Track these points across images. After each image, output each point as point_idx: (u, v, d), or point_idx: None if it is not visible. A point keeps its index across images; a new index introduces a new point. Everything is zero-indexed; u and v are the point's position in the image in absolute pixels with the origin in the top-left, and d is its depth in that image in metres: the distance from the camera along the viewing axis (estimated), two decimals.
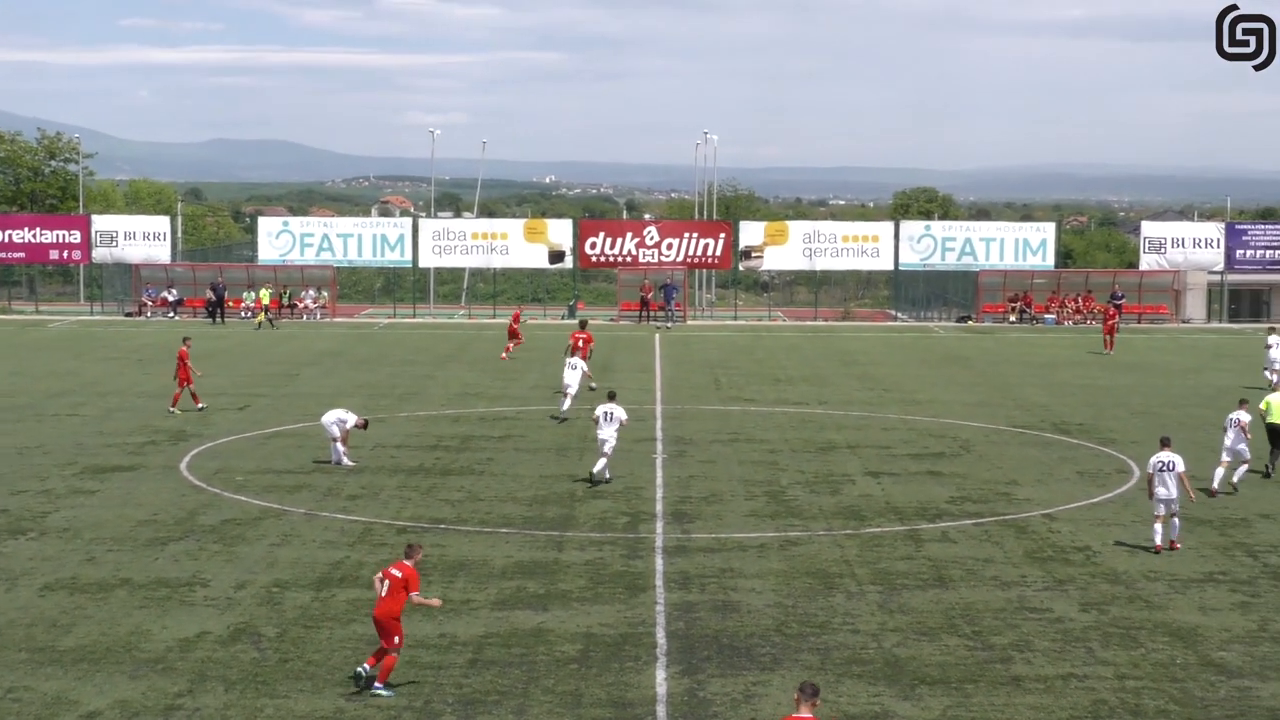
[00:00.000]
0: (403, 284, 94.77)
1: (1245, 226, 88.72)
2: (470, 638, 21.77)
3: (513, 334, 60.80)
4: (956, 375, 55.72)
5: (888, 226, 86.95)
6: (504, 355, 59.51)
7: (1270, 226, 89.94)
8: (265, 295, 77.74)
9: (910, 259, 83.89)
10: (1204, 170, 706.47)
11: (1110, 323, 66.44)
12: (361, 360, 59.89)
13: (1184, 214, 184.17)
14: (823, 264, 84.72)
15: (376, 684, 19.31)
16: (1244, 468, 33.27)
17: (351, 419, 35.67)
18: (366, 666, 19.57)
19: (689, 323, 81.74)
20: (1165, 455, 27.76)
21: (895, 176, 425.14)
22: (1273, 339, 52.14)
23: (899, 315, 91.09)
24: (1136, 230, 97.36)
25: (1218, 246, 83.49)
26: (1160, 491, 27.47)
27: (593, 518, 29.96)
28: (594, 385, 47.37)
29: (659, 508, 30.95)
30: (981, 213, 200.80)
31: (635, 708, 18.96)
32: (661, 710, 18.88)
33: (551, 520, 29.73)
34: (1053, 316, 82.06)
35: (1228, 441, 33.16)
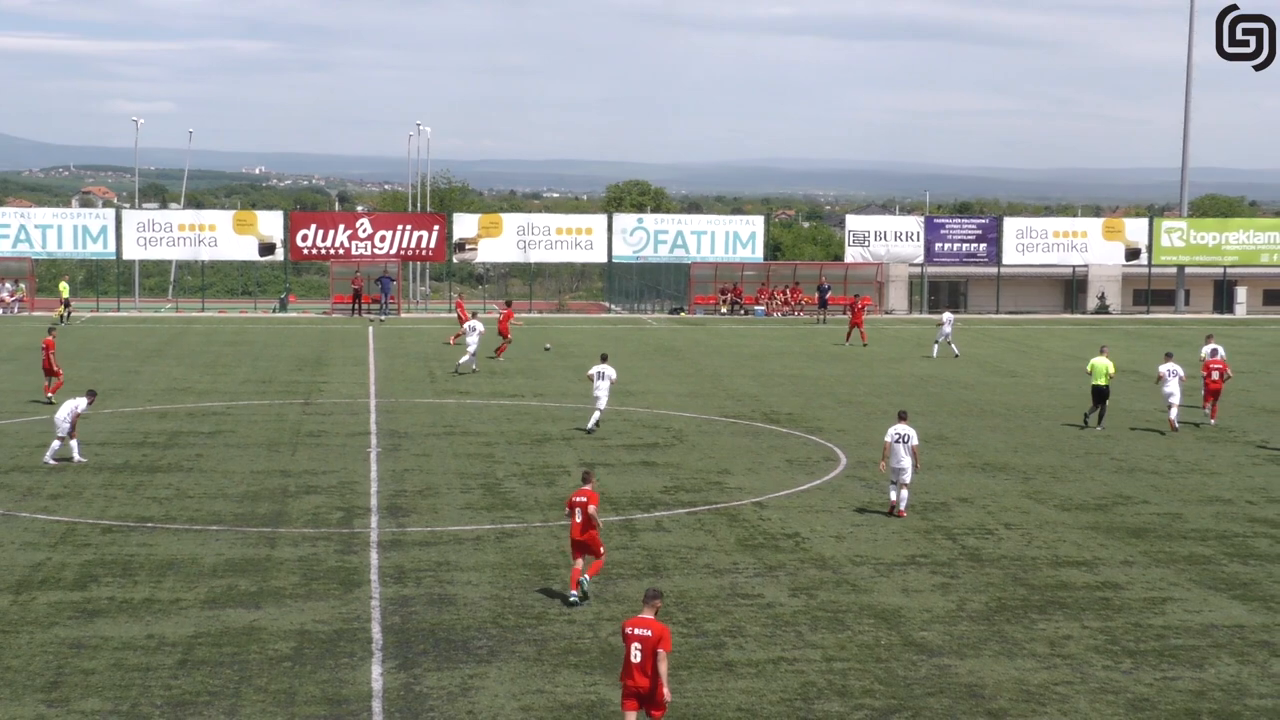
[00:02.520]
0: (106, 277, 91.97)
1: (943, 220, 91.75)
2: (179, 638, 21.26)
3: (502, 332, 58.80)
4: (669, 366, 56.46)
5: (601, 219, 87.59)
6: (498, 354, 57.58)
7: (967, 220, 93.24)
8: None
9: (623, 251, 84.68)
10: (905, 166, 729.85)
11: (858, 314, 67.78)
12: (62, 355, 57.81)
13: (886, 208, 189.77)
14: (537, 256, 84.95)
15: (586, 576, 23.44)
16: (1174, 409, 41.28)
17: (82, 402, 34.65)
18: (574, 593, 23.27)
19: (403, 315, 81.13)
20: (900, 428, 29.88)
21: (609, 170, 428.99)
22: (946, 315, 61.28)
23: (613, 307, 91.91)
24: (842, 224, 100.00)
25: (918, 239, 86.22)
26: (893, 460, 29.67)
27: (306, 513, 29.53)
28: (475, 369, 52.81)
29: (374, 502, 30.68)
30: (693, 206, 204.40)
31: (350, 704, 18.76)
32: (377, 706, 18.73)
33: (264, 517, 29.21)
34: (762, 308, 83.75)
35: (1168, 389, 41.28)
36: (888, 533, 28.59)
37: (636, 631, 16.97)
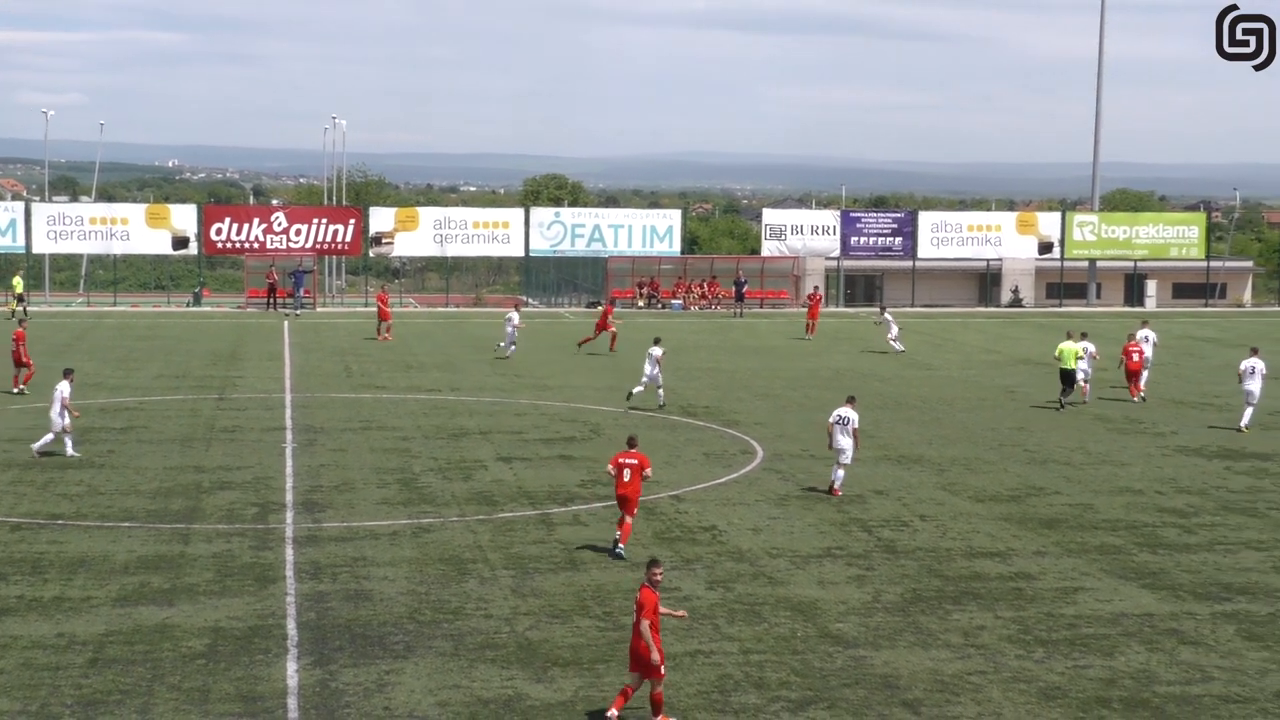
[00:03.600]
0: (15, 271, 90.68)
1: (859, 214, 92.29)
2: (90, 636, 21.03)
3: (603, 326, 59.38)
4: (586, 360, 56.42)
5: (518, 213, 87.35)
6: (584, 341, 59.31)
7: (882, 214, 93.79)
8: None
9: (541, 245, 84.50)
10: (822, 160, 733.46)
11: (815, 307, 68.65)
12: None
13: (803, 202, 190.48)
14: (454, 250, 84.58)
15: (619, 547, 25.81)
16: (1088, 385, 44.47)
17: (64, 386, 34.71)
18: (621, 546, 25.91)
19: (319, 310, 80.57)
20: (844, 411, 31.42)
21: (526, 163, 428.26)
22: (887, 315, 60.70)
23: (530, 301, 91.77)
24: (758, 218, 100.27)
25: (834, 233, 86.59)
26: (837, 442, 31.14)
27: (220, 509, 29.29)
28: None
29: (289, 498, 30.47)
30: (611, 200, 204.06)
31: (265, 701, 18.63)
32: (292, 703, 18.61)
33: (177, 513, 28.94)
34: (679, 302, 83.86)
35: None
36: (804, 525, 28.74)
37: (637, 599, 18.26)
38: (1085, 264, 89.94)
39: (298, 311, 76.62)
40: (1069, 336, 45.18)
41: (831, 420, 31.35)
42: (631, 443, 26.60)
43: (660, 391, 43.76)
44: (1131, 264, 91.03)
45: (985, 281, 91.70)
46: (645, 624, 17.85)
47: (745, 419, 41.64)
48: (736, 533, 28.12)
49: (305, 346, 60.02)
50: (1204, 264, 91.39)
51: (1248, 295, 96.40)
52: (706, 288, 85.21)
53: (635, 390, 43.87)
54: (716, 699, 19.05)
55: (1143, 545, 27.62)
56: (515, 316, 57.87)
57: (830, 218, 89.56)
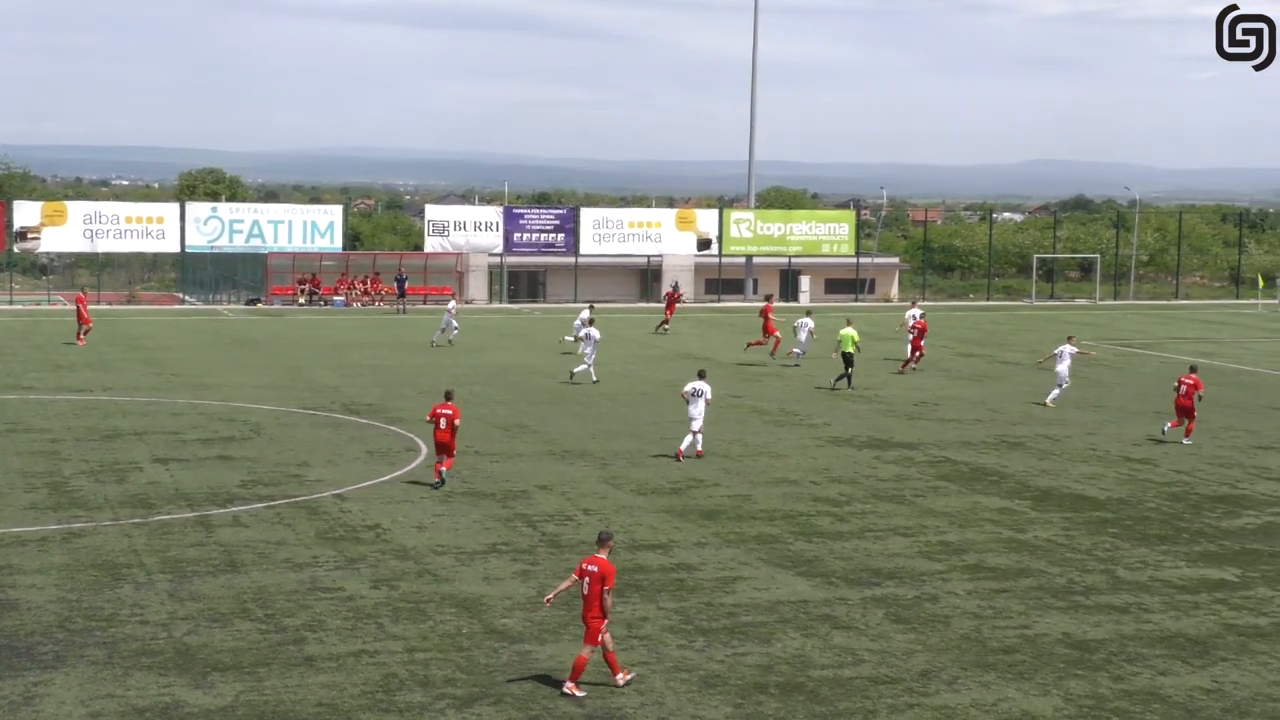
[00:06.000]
0: None
1: (522, 211, 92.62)
2: None
3: (768, 329, 56.49)
4: (246, 358, 55.32)
5: (173, 208, 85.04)
6: (773, 353, 56.39)
7: (545, 210, 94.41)
8: None
9: (197, 241, 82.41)
10: (484, 156, 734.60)
11: (672, 305, 69.92)
12: None
13: (466, 198, 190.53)
14: (105, 246, 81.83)
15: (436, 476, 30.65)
16: (1061, 388, 45.57)
17: None
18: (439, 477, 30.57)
19: None
20: (697, 383, 35.78)
21: (181, 157, 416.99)
22: (805, 320, 56.61)
23: (187, 298, 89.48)
24: (422, 214, 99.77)
25: (497, 230, 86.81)
26: (690, 410, 35.48)
27: None
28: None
29: None
30: (270, 195, 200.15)
31: None
32: None
33: None
34: (342, 298, 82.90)
35: (1060, 368, 45.45)
36: (469, 522, 28.74)
37: (588, 568, 19.29)
38: (743, 260, 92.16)
39: None
40: (848, 323, 49.95)
41: (686, 390, 35.90)
42: (449, 395, 31.68)
43: (592, 369, 48.92)
44: (786, 260, 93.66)
45: (646, 277, 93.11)
46: (609, 593, 19.24)
47: (410, 416, 41.38)
48: (401, 531, 27.94)
49: None
50: (854, 260, 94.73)
51: (895, 290, 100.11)
52: (369, 284, 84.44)
53: (577, 370, 49.24)
54: (381, 698, 18.90)
55: (798, 534, 28.46)
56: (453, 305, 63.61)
57: (493, 214, 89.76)
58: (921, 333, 54.10)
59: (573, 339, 57.36)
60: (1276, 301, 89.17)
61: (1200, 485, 33.98)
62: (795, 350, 55.12)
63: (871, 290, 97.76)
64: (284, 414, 41.59)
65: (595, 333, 50.34)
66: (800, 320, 55.39)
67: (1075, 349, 46.51)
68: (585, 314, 56.34)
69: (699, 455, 35.59)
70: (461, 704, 18.81)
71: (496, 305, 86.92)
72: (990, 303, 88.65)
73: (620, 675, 19.52)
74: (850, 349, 48.58)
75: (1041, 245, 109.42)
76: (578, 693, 19.10)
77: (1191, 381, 39.25)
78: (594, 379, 48.96)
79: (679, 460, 35.15)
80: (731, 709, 18.87)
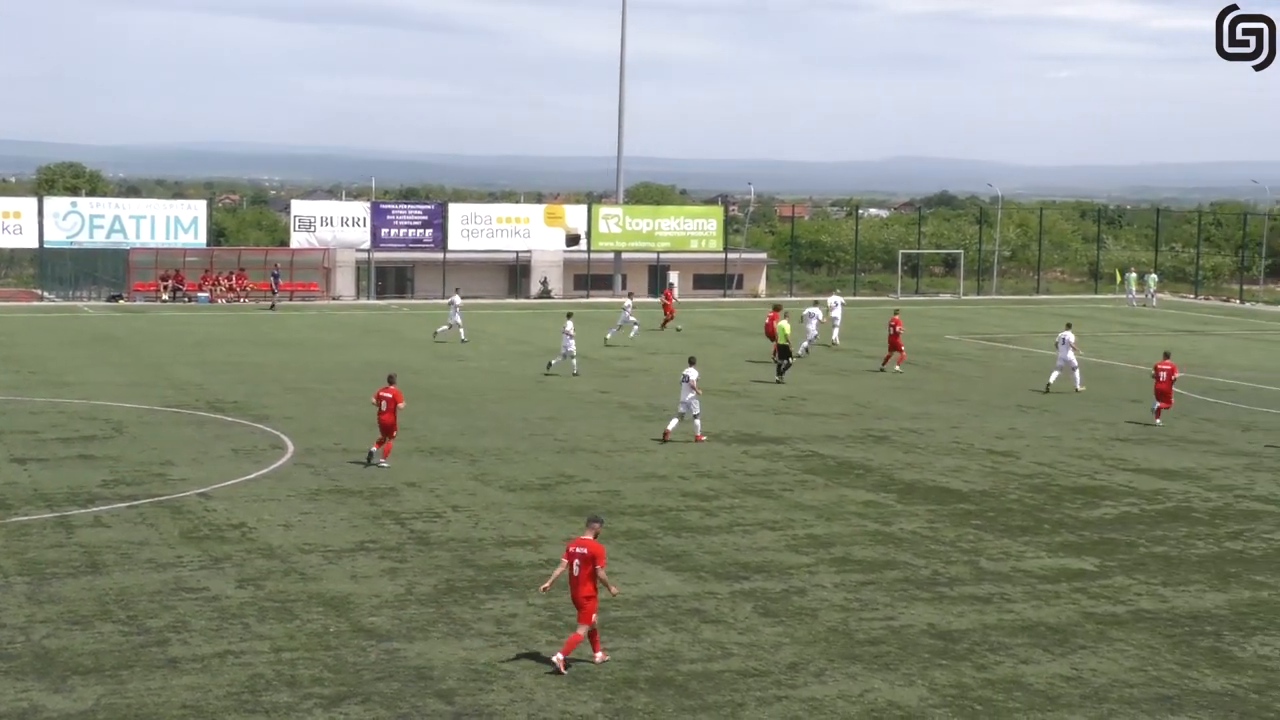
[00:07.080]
0: None
1: (390, 206, 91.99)
2: None
3: (895, 344, 54.08)
4: (108, 355, 54.44)
5: (31, 202, 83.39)
6: (898, 364, 53.85)
7: (413, 206, 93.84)
8: None
9: (56, 236, 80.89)
10: (351, 151, 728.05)
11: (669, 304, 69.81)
12: None
13: (332, 193, 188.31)
14: None
15: (383, 460, 32.27)
16: (1076, 373, 48.16)
17: None
18: (384, 461, 32.44)
19: None
20: (686, 370, 37.93)
21: (40, 151, 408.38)
22: (812, 309, 60.04)
23: (46, 294, 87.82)
24: (287, 209, 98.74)
25: (364, 225, 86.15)
26: (682, 396, 37.69)
27: None
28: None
29: None
30: (132, 190, 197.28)
31: None
32: None
33: None
34: (206, 295, 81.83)
35: (1064, 354, 47.81)
36: (336, 519, 28.51)
37: (576, 550, 20.04)
38: (611, 256, 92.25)
39: None
40: (785, 317, 51.93)
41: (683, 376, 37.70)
42: (391, 379, 33.74)
43: (575, 361, 50.52)
44: (655, 256, 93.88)
45: (515, 273, 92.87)
46: (602, 570, 19.98)
47: (276, 413, 40.97)
48: (267, 529, 27.65)
49: None
50: (722, 256, 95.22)
51: (762, 285, 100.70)
52: (234, 280, 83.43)
53: (554, 362, 50.79)
54: (248, 699, 18.69)
55: (667, 529, 28.56)
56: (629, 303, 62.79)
57: (361, 209, 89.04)
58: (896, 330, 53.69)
59: (446, 328, 59.15)
60: (1145, 295, 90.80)
61: (1060, 477, 34.61)
62: (804, 344, 57.46)
63: (739, 286, 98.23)
64: (147, 412, 40.98)
65: (573, 331, 51.83)
66: (808, 310, 59.44)
67: (1073, 336, 48.73)
68: (456, 298, 59.71)
69: (698, 440, 37.78)
70: (329, 703, 18.66)
71: (364, 301, 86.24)
72: (856, 298, 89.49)
73: (599, 654, 20.32)
74: (783, 340, 50.25)
75: (906, 241, 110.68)
76: (563, 670, 19.79)
77: (1168, 367, 41.90)
78: (575, 371, 50.52)
79: (665, 440, 37.65)
80: (601, 704, 18.91)
